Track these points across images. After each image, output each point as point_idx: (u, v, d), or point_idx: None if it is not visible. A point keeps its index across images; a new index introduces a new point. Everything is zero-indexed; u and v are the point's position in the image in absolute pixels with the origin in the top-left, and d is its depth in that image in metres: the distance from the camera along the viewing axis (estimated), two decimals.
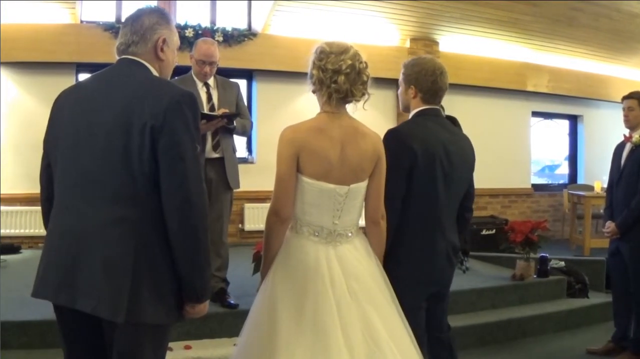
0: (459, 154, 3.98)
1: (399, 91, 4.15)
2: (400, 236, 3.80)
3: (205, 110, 5.72)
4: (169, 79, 3.17)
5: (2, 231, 9.19)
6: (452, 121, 4.93)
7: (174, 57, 3.14)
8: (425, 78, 3.94)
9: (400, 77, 4.09)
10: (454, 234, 4.08)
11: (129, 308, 2.64)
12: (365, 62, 3.42)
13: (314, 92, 3.48)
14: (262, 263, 3.56)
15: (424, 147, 3.79)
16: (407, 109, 4.12)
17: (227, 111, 5.65)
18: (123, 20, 3.12)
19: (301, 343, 3.17)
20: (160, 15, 3.04)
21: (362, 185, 3.46)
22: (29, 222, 9.34)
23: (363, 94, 3.44)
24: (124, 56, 2.98)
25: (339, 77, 3.32)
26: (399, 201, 3.78)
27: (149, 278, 2.71)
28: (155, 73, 3.00)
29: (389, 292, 3.52)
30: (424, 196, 3.84)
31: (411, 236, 3.85)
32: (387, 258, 3.72)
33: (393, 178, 3.66)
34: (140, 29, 2.97)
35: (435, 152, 3.83)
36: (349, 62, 3.33)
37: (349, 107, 3.49)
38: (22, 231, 9.37)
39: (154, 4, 9.57)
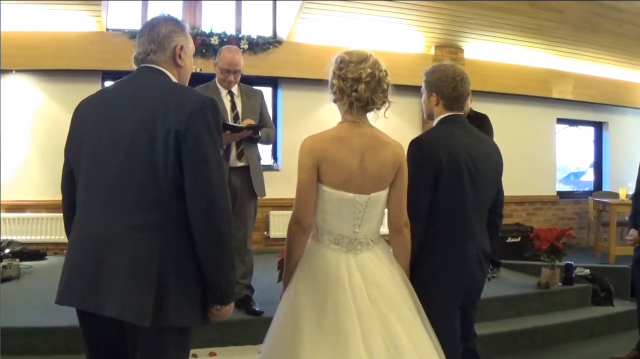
0: (484, 158, 3.97)
1: (422, 99, 4.14)
2: (429, 245, 3.79)
3: (229, 118, 5.77)
4: (187, 84, 3.20)
5: (28, 237, 9.30)
6: (482, 119, 4.91)
7: (191, 63, 3.19)
8: (446, 84, 3.94)
9: (422, 85, 4.10)
10: (484, 240, 4.06)
11: (154, 312, 2.67)
12: (385, 71, 3.43)
13: (335, 101, 3.49)
14: (284, 271, 3.59)
15: (448, 154, 3.78)
16: (430, 116, 4.12)
17: (252, 122, 5.68)
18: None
19: (323, 351, 3.19)
20: (175, 23, 3.09)
21: (383, 194, 3.47)
22: (54, 229, 9.39)
23: (384, 102, 3.45)
24: (143, 65, 3.02)
25: (359, 85, 3.34)
26: (425, 210, 3.77)
27: (175, 281, 2.74)
28: (174, 80, 3.04)
29: (412, 299, 3.52)
30: (452, 203, 3.83)
31: (441, 244, 3.84)
32: (417, 268, 3.74)
33: (418, 187, 3.68)
34: (157, 38, 3.01)
35: (460, 158, 3.81)
36: (369, 70, 3.35)
37: (372, 115, 3.50)
38: (47, 237, 9.41)
39: (179, 13, 9.67)
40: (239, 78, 5.89)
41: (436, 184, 3.78)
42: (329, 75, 3.47)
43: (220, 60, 5.83)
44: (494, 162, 4.08)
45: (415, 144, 3.86)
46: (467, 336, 4.17)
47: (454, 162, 3.79)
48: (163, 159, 2.72)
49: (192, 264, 2.79)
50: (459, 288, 3.94)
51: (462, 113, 4.08)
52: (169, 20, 3.09)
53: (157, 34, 3.01)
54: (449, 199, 3.81)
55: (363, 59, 3.39)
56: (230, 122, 5.70)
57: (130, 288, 2.68)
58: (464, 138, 3.94)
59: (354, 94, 3.36)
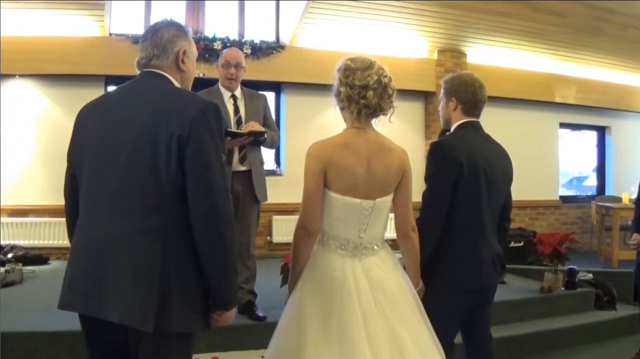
0: (499, 165, 4.09)
1: (440, 106, 4.28)
2: (446, 246, 3.88)
3: (232, 122, 5.76)
4: (190, 89, 3.20)
5: (31, 242, 9.32)
6: None
7: (194, 68, 3.19)
8: (466, 89, 4.09)
9: (441, 93, 4.24)
10: (496, 242, 4.14)
11: (157, 317, 2.66)
12: (390, 76, 3.44)
13: (342, 109, 3.50)
14: (289, 276, 3.59)
15: (468, 158, 3.88)
16: (447, 123, 4.23)
17: (255, 125, 5.64)
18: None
19: (328, 355, 3.19)
20: (178, 28, 3.10)
21: (388, 199, 3.49)
22: (57, 234, 9.40)
23: (390, 108, 3.46)
24: (146, 69, 3.03)
25: (367, 92, 3.35)
26: (444, 212, 3.86)
27: (177, 286, 2.73)
28: (177, 84, 3.04)
29: (416, 303, 3.54)
30: (470, 206, 3.92)
31: (457, 245, 3.93)
32: (432, 267, 3.82)
33: (439, 189, 3.84)
34: (160, 42, 3.01)
35: (479, 163, 3.91)
36: (375, 77, 3.36)
37: (376, 119, 3.52)
38: (50, 242, 9.43)
39: (182, 18, 9.68)
40: (241, 74, 5.89)
41: (456, 186, 3.86)
42: (333, 83, 3.48)
43: (221, 59, 5.89)
44: (506, 169, 4.19)
45: (436, 147, 3.98)
46: (485, 337, 4.28)
47: (474, 166, 3.89)
48: (165, 164, 2.72)
49: (194, 268, 2.79)
50: (474, 288, 4.03)
51: (479, 120, 4.18)
52: (171, 25, 3.10)
53: (160, 39, 3.02)
54: (467, 201, 3.91)
55: (368, 65, 3.40)
56: (233, 125, 5.70)
57: (132, 292, 2.68)
58: (481, 143, 4.08)
59: (362, 101, 3.37)
